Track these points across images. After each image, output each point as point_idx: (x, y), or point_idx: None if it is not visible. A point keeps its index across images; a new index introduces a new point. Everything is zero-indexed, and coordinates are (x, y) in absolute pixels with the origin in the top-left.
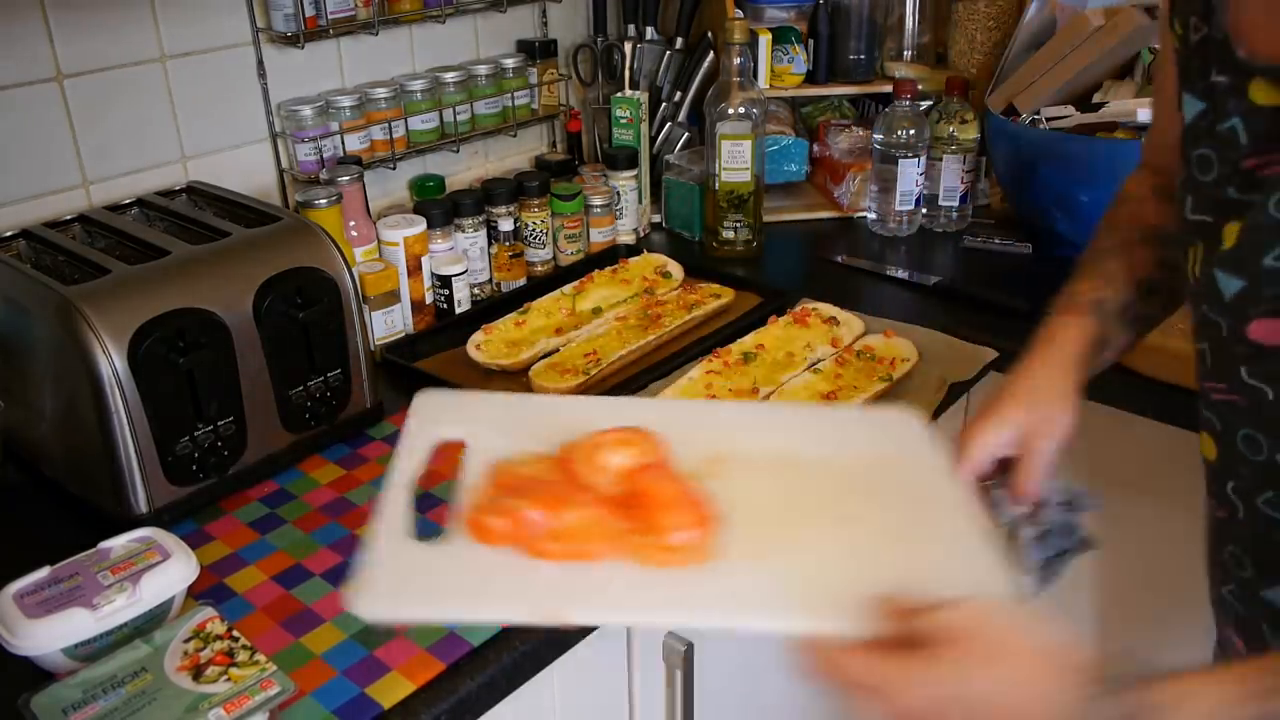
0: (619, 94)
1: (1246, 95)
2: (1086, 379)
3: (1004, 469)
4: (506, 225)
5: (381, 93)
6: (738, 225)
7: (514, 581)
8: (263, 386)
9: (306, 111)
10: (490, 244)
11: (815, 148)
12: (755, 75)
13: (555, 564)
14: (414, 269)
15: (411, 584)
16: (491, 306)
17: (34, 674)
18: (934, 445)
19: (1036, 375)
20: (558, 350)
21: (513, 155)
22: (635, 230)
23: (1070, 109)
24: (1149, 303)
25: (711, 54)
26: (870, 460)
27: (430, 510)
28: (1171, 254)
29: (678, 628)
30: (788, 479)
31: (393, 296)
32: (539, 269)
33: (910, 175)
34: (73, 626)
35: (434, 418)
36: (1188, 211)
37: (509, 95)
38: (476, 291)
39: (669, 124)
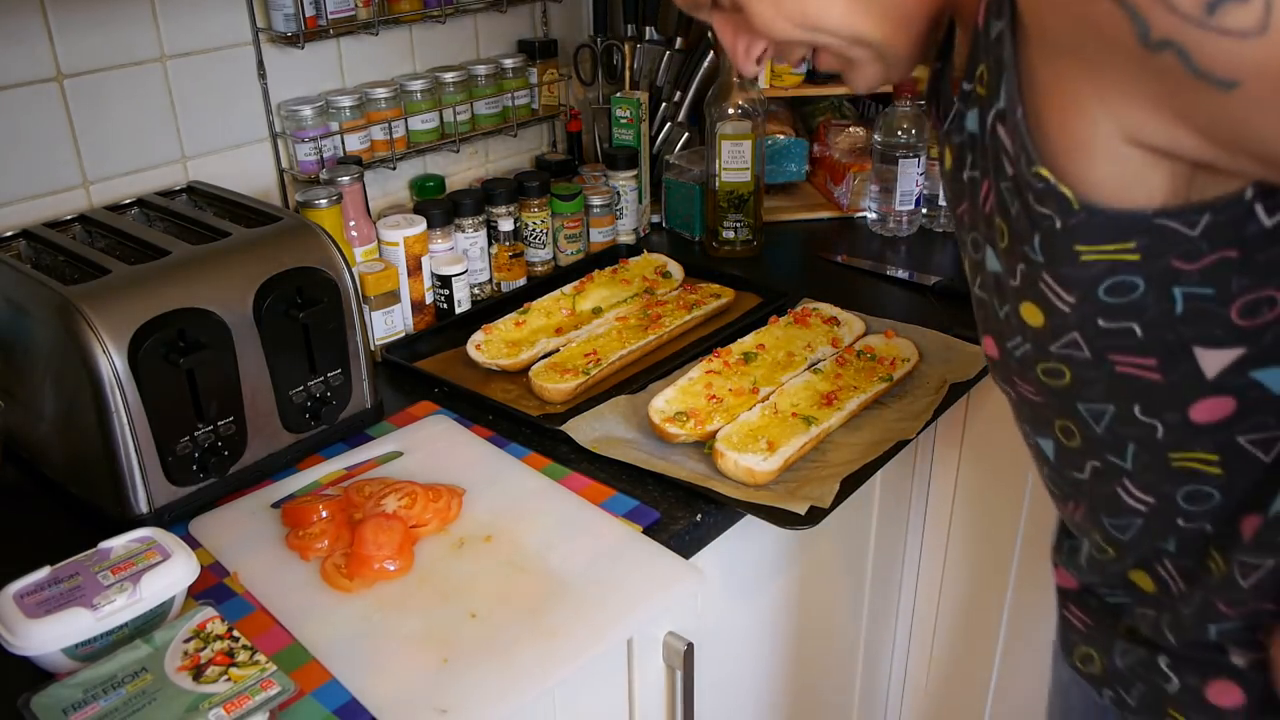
0: (619, 94)
1: (943, 159)
2: None
3: None
4: (506, 225)
5: (381, 93)
6: (738, 225)
7: None
8: (263, 386)
9: (306, 111)
10: (490, 244)
11: (815, 148)
12: (755, 75)
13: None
14: (414, 269)
15: None
16: (491, 306)
17: (34, 674)
18: None
19: None
20: (558, 350)
21: (513, 155)
22: (635, 230)
23: None
24: None
25: (711, 54)
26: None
27: None
28: None
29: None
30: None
31: (393, 296)
32: (539, 269)
33: (910, 175)
34: (73, 626)
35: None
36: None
37: (509, 95)
38: (476, 291)
39: (669, 124)
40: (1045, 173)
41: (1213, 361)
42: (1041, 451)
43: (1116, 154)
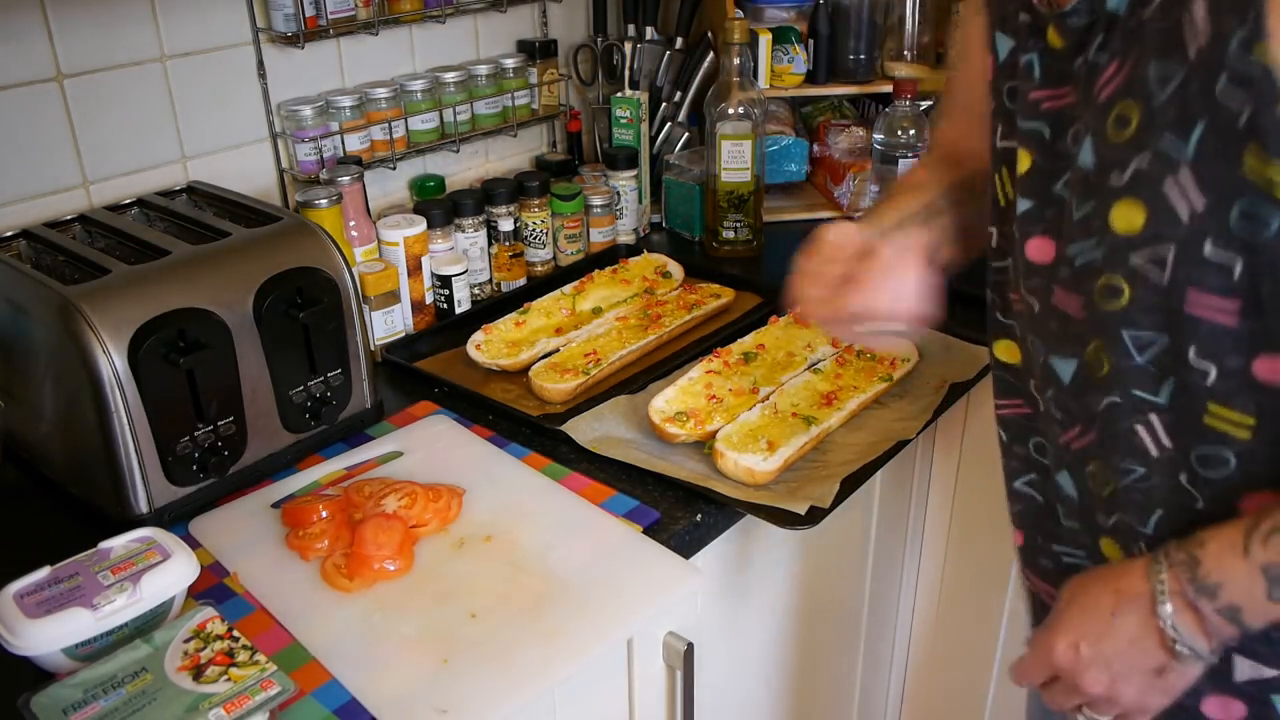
0: (619, 94)
1: (1045, 37)
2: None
3: None
4: (506, 225)
5: (381, 93)
6: (738, 225)
7: None
8: (263, 386)
9: (306, 111)
10: (490, 244)
11: (815, 148)
12: (755, 75)
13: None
14: (414, 269)
15: None
16: (491, 306)
17: (34, 674)
18: None
19: (877, 210)
20: (558, 350)
21: (513, 155)
22: (635, 230)
23: None
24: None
25: (711, 54)
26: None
27: None
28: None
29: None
30: (510, 575)
31: (393, 296)
32: (539, 269)
33: None
34: (73, 626)
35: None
36: (997, 139)
37: (509, 95)
38: (476, 291)
39: (669, 124)
40: (1270, 57)
41: None
42: (1054, 373)
43: None
